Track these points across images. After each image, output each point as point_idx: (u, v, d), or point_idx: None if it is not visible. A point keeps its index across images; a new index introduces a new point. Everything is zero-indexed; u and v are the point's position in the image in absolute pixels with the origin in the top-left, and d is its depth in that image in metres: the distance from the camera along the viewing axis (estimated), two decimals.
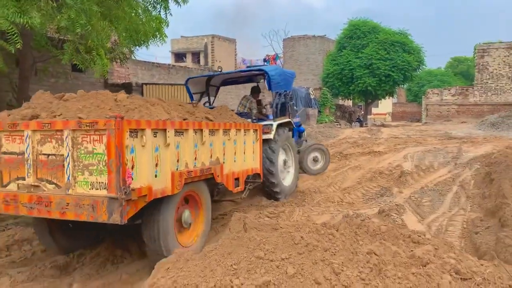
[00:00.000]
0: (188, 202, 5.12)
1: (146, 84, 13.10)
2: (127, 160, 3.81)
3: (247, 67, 38.44)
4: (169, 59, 37.45)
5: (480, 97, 28.17)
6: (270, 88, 8.16)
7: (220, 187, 6.12)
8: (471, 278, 2.78)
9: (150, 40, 8.97)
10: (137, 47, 9.82)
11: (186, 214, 4.93)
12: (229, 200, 7.23)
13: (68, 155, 4.00)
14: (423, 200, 7.54)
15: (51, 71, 10.36)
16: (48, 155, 4.16)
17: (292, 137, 9.01)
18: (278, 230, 3.58)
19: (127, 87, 12.72)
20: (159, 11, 8.75)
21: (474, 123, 23.12)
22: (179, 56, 37.43)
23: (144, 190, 3.98)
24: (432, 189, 8.21)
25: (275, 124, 7.74)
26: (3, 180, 4.40)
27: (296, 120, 9.57)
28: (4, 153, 4.38)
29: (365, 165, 11.04)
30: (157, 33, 8.77)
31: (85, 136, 3.94)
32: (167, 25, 8.81)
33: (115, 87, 12.85)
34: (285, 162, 8.26)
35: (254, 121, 7.65)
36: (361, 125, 27.39)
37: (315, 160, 10.41)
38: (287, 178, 8.32)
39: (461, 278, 2.77)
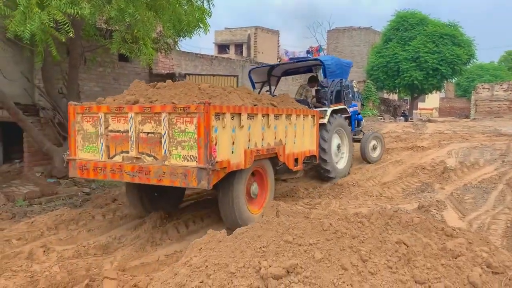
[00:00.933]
0: (255, 177, 5.92)
1: (189, 74, 13.35)
2: (212, 138, 4.64)
3: (290, 59, 38.25)
4: (212, 51, 37.89)
5: None
6: (325, 77, 8.92)
7: (278, 168, 6.86)
8: (503, 273, 2.72)
9: (193, 30, 9.14)
10: (180, 37, 10.04)
11: (254, 186, 5.80)
12: (285, 179, 8.04)
13: (164, 133, 4.86)
14: (466, 197, 7.32)
15: (99, 60, 10.76)
16: (148, 133, 5.03)
17: (350, 125, 9.79)
18: (308, 218, 3.63)
19: (171, 78, 13.00)
20: (202, 2, 8.90)
21: None
22: (222, 48, 37.77)
23: (224, 163, 4.82)
24: (476, 187, 7.94)
25: (329, 110, 8.50)
26: (109, 153, 5.32)
27: (354, 109, 10.24)
28: (111, 131, 5.28)
29: (407, 160, 10.82)
30: (199, 23, 8.92)
31: (179, 118, 4.78)
32: (210, 16, 8.94)
33: (159, 77, 13.18)
34: (339, 146, 8.95)
35: (311, 108, 8.22)
36: (406, 120, 26.67)
37: (374, 147, 10.93)
38: (340, 161, 9.04)
39: (492, 272, 2.72)
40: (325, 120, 8.25)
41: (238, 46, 36.15)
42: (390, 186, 8.42)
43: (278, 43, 36.38)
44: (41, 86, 9.85)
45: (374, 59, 30.05)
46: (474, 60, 29.37)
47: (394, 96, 36.20)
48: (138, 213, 6.27)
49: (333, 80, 9.12)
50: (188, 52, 17.68)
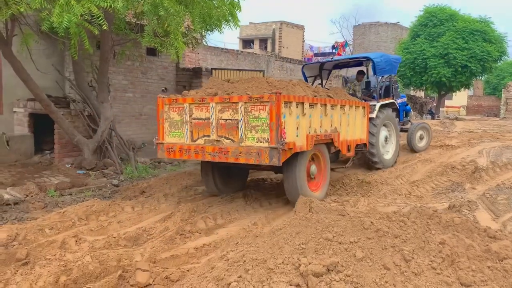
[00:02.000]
0: (314, 159, 6.69)
1: (215, 69, 13.37)
2: (282, 122, 5.42)
3: (315, 54, 37.79)
4: (237, 46, 37.88)
5: None
6: (374, 73, 9.52)
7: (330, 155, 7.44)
8: None
9: (223, 25, 9.12)
10: (210, 32, 10.03)
11: (313, 167, 6.56)
12: (333, 168, 8.46)
13: (241, 119, 5.68)
14: (499, 198, 7.09)
15: (128, 54, 10.86)
16: (226, 119, 5.86)
17: (398, 116, 10.67)
18: (346, 216, 3.56)
19: (197, 72, 13.05)
20: None
21: None
22: (247, 43, 37.74)
23: (291, 144, 5.60)
24: (509, 187, 7.69)
25: (378, 104, 9.21)
26: (193, 137, 6.19)
27: (402, 100, 11.04)
28: (194, 118, 6.15)
29: (436, 158, 10.58)
30: (230, 17, 8.89)
31: (253, 106, 5.58)
32: (240, 10, 8.90)
33: (186, 72, 13.25)
34: (386, 138, 9.60)
35: (363, 100, 8.82)
36: (433, 118, 26.15)
37: (421, 137, 11.57)
38: (387, 152, 9.66)
39: None
40: (373, 115, 8.88)
41: (263, 41, 36.05)
42: (419, 184, 8.24)
43: (303, 38, 36.09)
44: (71, 78, 10.01)
45: (401, 55, 29.48)
46: (506, 57, 28.51)
47: (420, 93, 35.53)
48: (210, 191, 7.16)
49: (382, 76, 9.76)
50: (214, 47, 17.71)
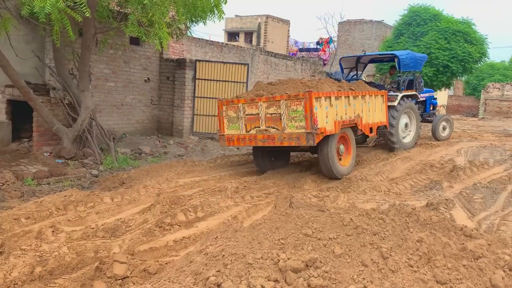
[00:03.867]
0: (342, 141, 8.28)
1: (199, 61, 13.25)
2: (314, 113, 7.00)
3: (299, 49, 37.77)
4: (222, 38, 37.64)
5: None
6: (399, 68, 11.09)
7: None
8: None
9: (208, 16, 9.04)
10: (194, 23, 9.94)
11: (341, 146, 8.22)
12: (361, 146, 10.80)
13: (283, 113, 7.26)
14: (475, 196, 7.23)
15: (110, 42, 10.68)
16: (272, 113, 7.43)
17: (423, 107, 12.64)
18: (326, 212, 3.58)
19: (181, 63, 12.93)
20: None
21: None
22: (232, 35, 37.53)
23: (322, 129, 7.16)
24: (485, 186, 7.85)
25: (400, 95, 10.82)
26: (247, 128, 7.75)
27: (430, 94, 12.96)
28: (247, 114, 7.71)
29: (416, 156, 10.71)
30: (214, 9, 8.81)
31: (292, 102, 7.16)
32: (225, 2, 8.83)
33: (170, 62, 13.11)
34: (406, 125, 11.24)
35: (388, 91, 10.58)
36: None
37: (443, 128, 13.01)
38: (406, 137, 11.35)
39: None
40: (395, 103, 10.51)
41: (248, 34, 35.89)
42: (398, 182, 8.34)
43: (288, 33, 36.06)
44: (52, 66, 9.79)
45: None
46: (486, 58, 28.97)
47: None
48: (260, 169, 8.65)
49: (406, 71, 11.31)
50: (199, 38, 17.53)
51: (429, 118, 12.97)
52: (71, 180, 7.68)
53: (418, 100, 11.98)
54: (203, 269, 2.74)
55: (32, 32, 9.67)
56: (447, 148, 12.01)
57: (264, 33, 33.64)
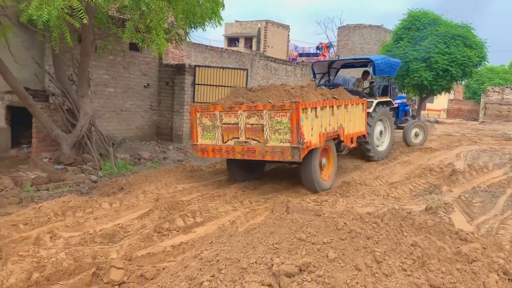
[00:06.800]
0: (324, 153, 7.71)
1: (199, 66, 13.29)
2: (301, 126, 6.39)
3: (299, 54, 37.86)
4: (222, 43, 37.75)
5: None
6: (374, 74, 10.72)
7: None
8: None
9: (206, 22, 9.07)
10: (193, 29, 9.97)
11: (324, 159, 7.68)
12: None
13: (266, 124, 6.61)
14: (474, 200, 7.23)
15: (110, 48, 10.72)
16: (253, 124, 6.76)
17: (397, 114, 12.16)
18: (321, 216, 3.58)
19: (181, 68, 12.97)
20: None
21: None
22: (232, 41, 37.63)
23: (308, 143, 6.62)
24: (484, 190, 7.85)
25: (375, 101, 10.36)
26: (224, 139, 7.08)
27: (402, 100, 12.55)
28: (224, 123, 7.03)
29: (415, 160, 10.73)
30: (213, 15, 8.85)
31: (276, 113, 6.53)
32: (223, 8, 8.87)
33: (169, 68, 13.15)
34: (381, 132, 10.77)
35: (362, 97, 10.03)
36: None
37: (416, 134, 12.68)
38: (382, 144, 10.83)
39: (508, 279, 2.67)
40: (370, 110, 10.00)
41: (248, 40, 35.99)
42: (397, 186, 8.35)
43: (288, 38, 36.15)
44: (51, 72, 9.83)
45: None
46: (486, 62, 28.98)
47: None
48: (234, 180, 8.06)
49: (381, 77, 11.02)
50: (198, 44, 17.58)
51: (401, 125, 12.66)
52: (70, 186, 7.68)
53: (392, 106, 11.56)
54: (197, 274, 2.74)
55: (31, 38, 9.72)
56: (446, 152, 12.03)
57: (264, 38, 33.75)
